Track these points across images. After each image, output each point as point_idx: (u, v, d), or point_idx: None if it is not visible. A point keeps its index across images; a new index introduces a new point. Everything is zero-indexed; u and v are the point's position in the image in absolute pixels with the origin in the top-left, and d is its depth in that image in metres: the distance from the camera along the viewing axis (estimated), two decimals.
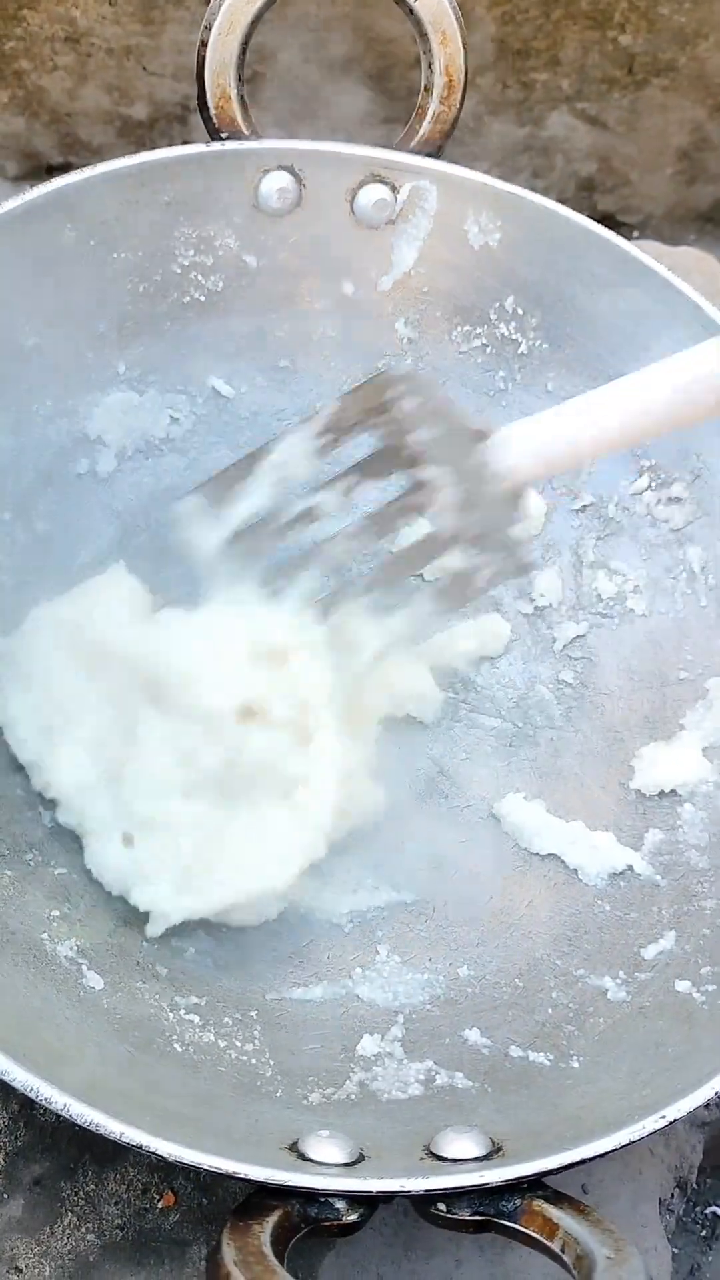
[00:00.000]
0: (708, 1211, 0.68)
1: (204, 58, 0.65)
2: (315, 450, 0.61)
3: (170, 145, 0.92)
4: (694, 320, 0.68)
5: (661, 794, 0.66)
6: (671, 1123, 0.50)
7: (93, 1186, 0.58)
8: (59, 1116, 0.53)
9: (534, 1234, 0.47)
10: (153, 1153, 0.47)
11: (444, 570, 0.61)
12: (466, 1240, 0.58)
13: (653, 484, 0.70)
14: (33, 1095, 0.48)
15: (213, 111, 0.66)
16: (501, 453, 0.59)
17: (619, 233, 0.71)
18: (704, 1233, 0.67)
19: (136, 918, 0.60)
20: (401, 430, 0.59)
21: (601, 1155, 0.49)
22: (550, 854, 0.65)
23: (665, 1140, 0.63)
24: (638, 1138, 0.49)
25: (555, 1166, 0.48)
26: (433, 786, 0.67)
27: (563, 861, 0.65)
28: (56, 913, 0.59)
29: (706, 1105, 0.63)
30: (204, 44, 0.64)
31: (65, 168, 0.97)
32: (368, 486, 0.60)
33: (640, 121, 0.97)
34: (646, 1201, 0.61)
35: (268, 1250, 0.44)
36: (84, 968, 0.57)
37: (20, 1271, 0.57)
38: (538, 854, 0.65)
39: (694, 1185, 0.66)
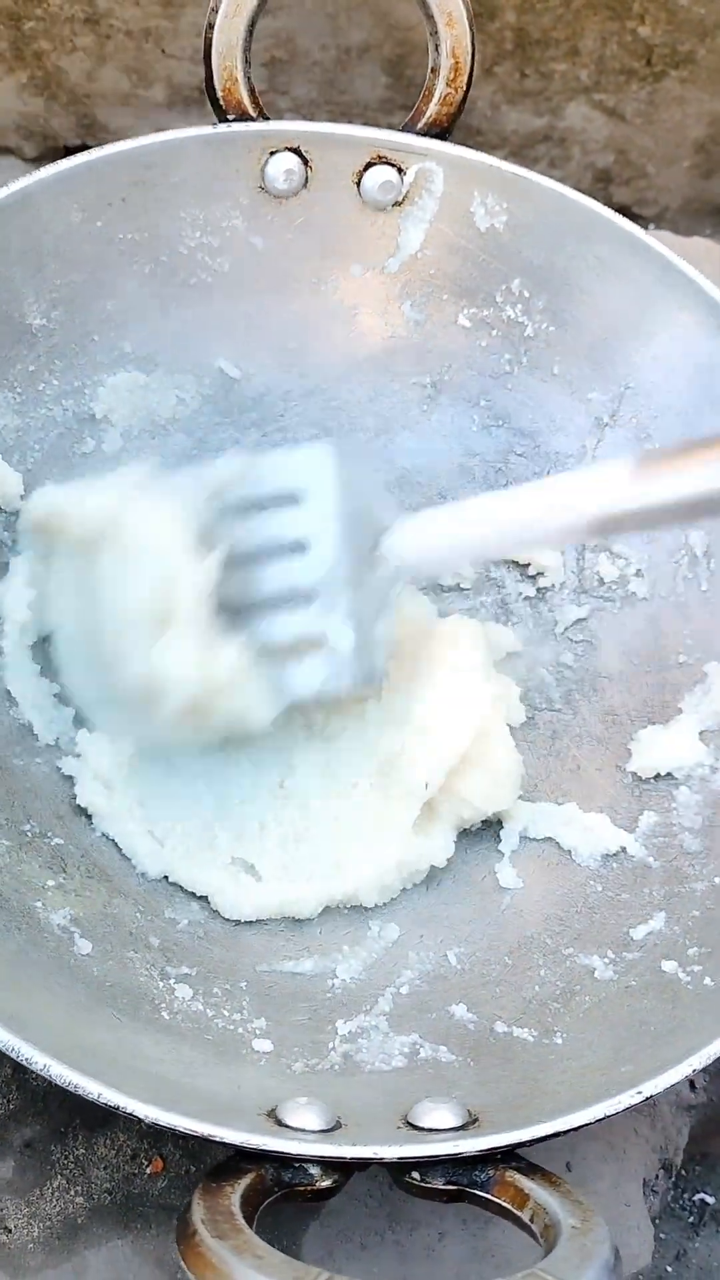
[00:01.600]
0: (695, 1198, 0.68)
1: (210, 40, 0.65)
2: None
3: (186, 128, 0.94)
4: (699, 305, 0.68)
5: (657, 777, 0.66)
6: (648, 1098, 0.50)
7: (82, 1151, 0.59)
8: (50, 1081, 0.54)
9: (505, 1204, 0.47)
10: (130, 1114, 0.48)
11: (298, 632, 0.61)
12: (449, 1213, 0.58)
13: None
14: (13, 1055, 0.48)
15: (220, 94, 0.67)
16: (392, 542, 0.60)
17: (634, 224, 0.71)
18: (691, 1219, 0.67)
19: (131, 890, 0.61)
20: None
21: (575, 1129, 0.49)
22: (545, 836, 0.65)
23: (650, 1121, 0.63)
24: (613, 1112, 0.49)
25: (528, 1139, 0.49)
26: None
27: (557, 842, 0.65)
28: (52, 883, 0.60)
29: (693, 1088, 0.64)
30: (210, 26, 0.65)
31: (82, 149, 0.97)
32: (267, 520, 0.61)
33: (658, 113, 0.97)
34: (630, 1181, 0.61)
35: (236, 1210, 0.44)
36: (76, 936, 0.58)
37: (9, 1232, 0.58)
38: (533, 836, 0.66)
39: (680, 1171, 0.66)
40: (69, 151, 0.99)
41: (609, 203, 0.99)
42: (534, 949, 0.61)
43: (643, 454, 0.55)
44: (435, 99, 0.68)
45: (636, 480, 0.53)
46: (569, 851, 0.65)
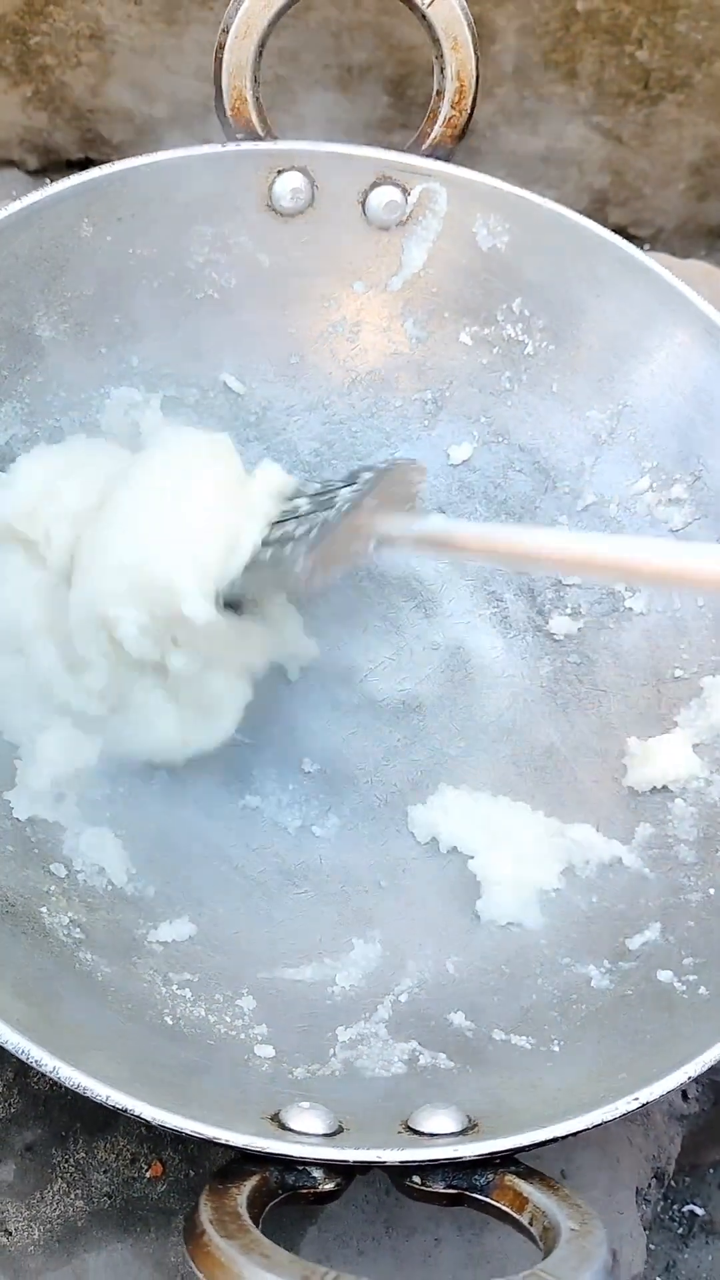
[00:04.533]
0: (685, 1209, 0.68)
1: (221, 60, 0.66)
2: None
3: (190, 144, 0.95)
4: (697, 325, 0.69)
5: (653, 789, 0.67)
6: (644, 1105, 0.51)
7: (83, 1155, 0.60)
8: (52, 1085, 0.54)
9: (504, 1207, 0.48)
10: (138, 1116, 0.49)
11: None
12: (446, 1219, 0.59)
13: (654, 485, 0.71)
14: (24, 1058, 0.49)
15: (229, 113, 0.68)
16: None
17: (634, 246, 0.72)
18: (680, 1230, 0.68)
19: (134, 896, 0.62)
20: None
21: (574, 1134, 0.50)
22: (543, 851, 0.66)
23: (644, 1130, 0.64)
24: (610, 1118, 0.50)
25: (527, 1143, 0.49)
26: (430, 776, 0.68)
27: (554, 856, 0.66)
28: (54, 888, 0.61)
29: (685, 1098, 0.65)
30: (221, 46, 0.66)
31: (85, 163, 0.99)
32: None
33: (654, 136, 0.98)
34: (623, 1189, 0.62)
35: (243, 1211, 0.45)
36: (80, 941, 0.59)
37: (10, 1234, 0.58)
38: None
39: (671, 1182, 0.67)
40: (71, 165, 1.00)
41: (605, 223, 1.00)
42: (531, 958, 0.62)
43: None
44: (440, 121, 0.69)
45: None
46: (567, 861, 0.66)
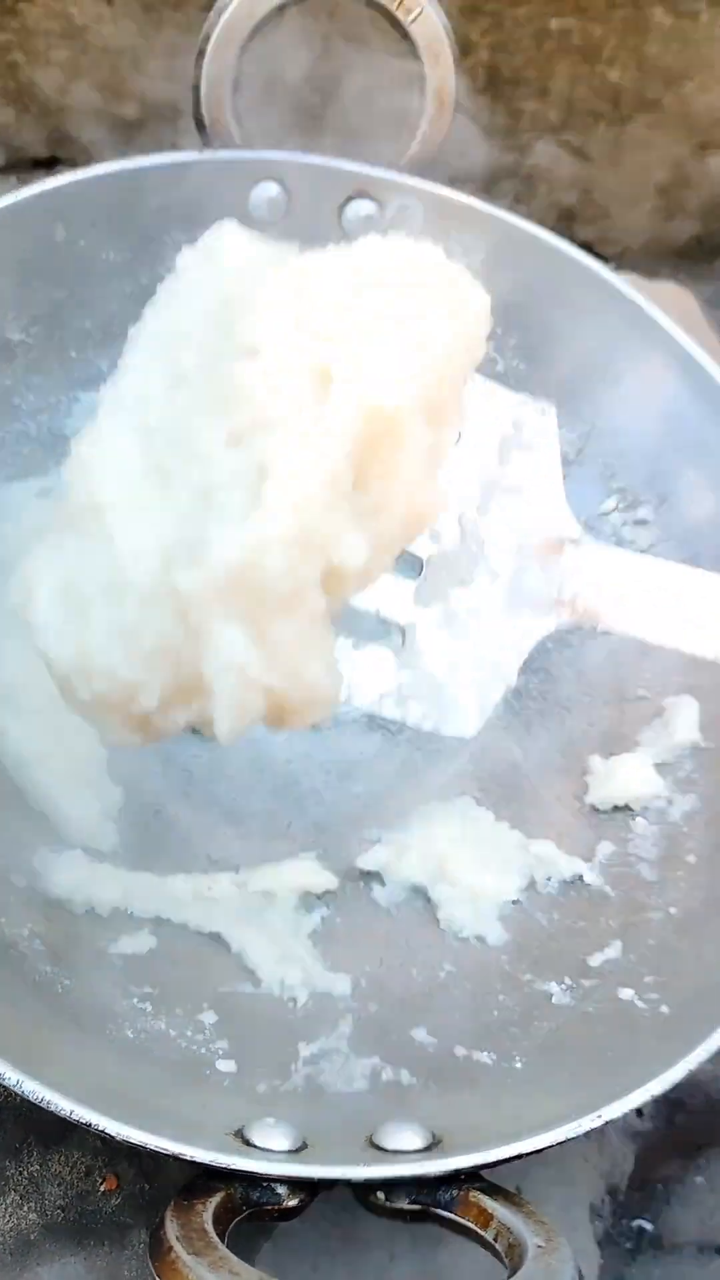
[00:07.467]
0: (634, 1224, 0.69)
1: (201, 69, 0.66)
2: None
3: (159, 145, 0.94)
4: (666, 348, 0.70)
5: (615, 808, 0.67)
6: (607, 1123, 0.51)
7: (36, 1167, 0.59)
8: (5, 1096, 0.53)
9: (469, 1223, 0.48)
10: (102, 1131, 0.48)
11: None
12: (402, 1235, 0.59)
13: (620, 505, 0.72)
14: None
15: (207, 121, 0.68)
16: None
17: (605, 267, 0.73)
18: (629, 1245, 0.68)
19: (97, 910, 0.61)
20: None
21: (537, 1151, 0.50)
22: (504, 863, 0.67)
23: (599, 1147, 0.64)
24: (573, 1135, 0.51)
25: (492, 1160, 0.50)
26: (394, 789, 0.68)
27: (516, 870, 0.66)
28: (14, 898, 0.60)
29: (640, 1115, 0.65)
30: (201, 54, 0.66)
31: (52, 161, 0.98)
32: None
33: (623, 156, 0.99)
34: (578, 1205, 0.62)
35: (209, 1228, 0.45)
36: (41, 954, 0.58)
37: None
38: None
39: (622, 1198, 0.67)
40: (38, 164, 0.99)
41: (572, 240, 1.01)
42: (493, 974, 0.62)
43: None
44: (418, 137, 0.70)
45: None
46: (529, 878, 0.66)
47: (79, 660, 0.45)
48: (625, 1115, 0.60)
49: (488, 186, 1.00)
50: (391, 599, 0.49)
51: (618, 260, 1.04)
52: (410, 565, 0.48)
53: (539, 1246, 0.45)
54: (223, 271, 0.49)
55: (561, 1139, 0.51)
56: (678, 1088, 0.58)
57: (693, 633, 0.51)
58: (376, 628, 0.49)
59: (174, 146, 0.91)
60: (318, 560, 0.43)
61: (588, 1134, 0.53)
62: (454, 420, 0.49)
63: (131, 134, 0.97)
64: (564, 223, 1.02)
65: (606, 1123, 0.52)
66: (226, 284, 0.49)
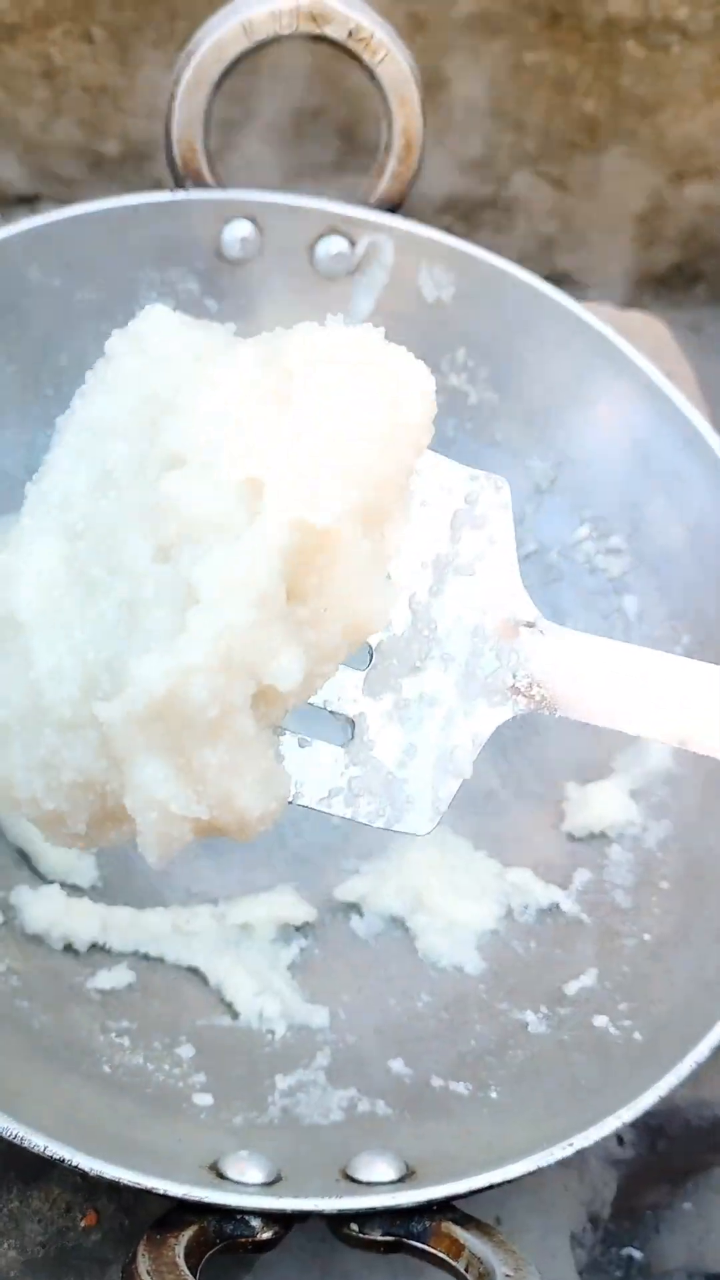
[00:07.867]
0: (623, 1253, 0.69)
1: (172, 110, 0.67)
2: None
3: (141, 182, 0.96)
4: (635, 380, 0.71)
5: (591, 835, 0.68)
6: (579, 1151, 0.52)
7: (16, 1203, 0.59)
8: None
9: (441, 1254, 0.48)
10: (75, 1167, 0.49)
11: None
12: (380, 1266, 0.59)
13: (593, 534, 0.72)
14: None
15: (179, 162, 0.68)
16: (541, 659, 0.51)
17: (575, 292, 0.73)
18: (619, 1273, 0.68)
19: (74, 946, 0.62)
20: None
21: (510, 1180, 0.50)
22: (482, 892, 0.67)
23: (580, 1175, 0.64)
24: (545, 1164, 0.51)
25: (463, 1190, 0.50)
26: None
27: (493, 898, 0.67)
28: None
29: (621, 1142, 0.65)
30: (172, 97, 0.67)
31: (34, 198, 0.99)
32: None
33: (601, 185, 1.00)
34: (556, 1234, 0.62)
35: (180, 1262, 0.45)
36: (16, 989, 0.58)
37: None
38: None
39: (609, 1225, 0.68)
40: (22, 201, 1.00)
41: (552, 269, 1.03)
42: (470, 1004, 0.63)
43: None
44: (386, 175, 0.70)
45: None
46: (505, 907, 0.66)
47: (2, 788, 0.45)
48: (605, 1143, 0.61)
49: (468, 217, 1.01)
50: (339, 690, 0.49)
51: (598, 288, 1.05)
52: (359, 654, 0.48)
53: (508, 1275, 0.45)
54: (151, 361, 0.49)
55: (533, 1168, 0.51)
56: (657, 1114, 0.58)
57: (654, 717, 0.51)
58: (324, 721, 0.49)
59: (156, 181, 0.93)
60: (247, 683, 0.43)
61: (566, 1162, 0.53)
62: (398, 517, 0.49)
63: (114, 171, 0.99)
64: (544, 252, 1.03)
65: (585, 1151, 0.52)
66: (154, 375, 0.48)
